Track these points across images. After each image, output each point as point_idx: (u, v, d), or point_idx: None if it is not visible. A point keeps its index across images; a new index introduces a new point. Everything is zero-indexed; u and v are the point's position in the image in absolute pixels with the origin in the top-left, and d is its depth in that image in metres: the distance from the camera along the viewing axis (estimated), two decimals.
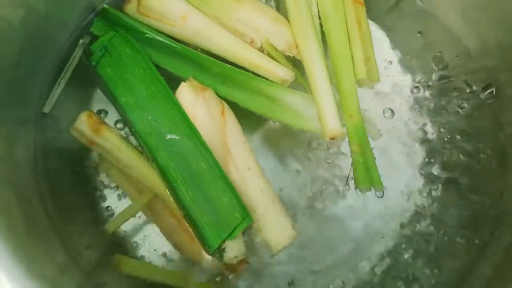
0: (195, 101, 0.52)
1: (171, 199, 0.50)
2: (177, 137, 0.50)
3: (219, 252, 0.47)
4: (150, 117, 0.50)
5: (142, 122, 0.50)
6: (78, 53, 0.54)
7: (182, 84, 0.52)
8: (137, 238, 0.52)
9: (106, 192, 0.53)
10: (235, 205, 0.48)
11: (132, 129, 0.51)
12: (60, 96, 0.53)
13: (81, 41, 0.54)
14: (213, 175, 0.48)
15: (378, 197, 0.54)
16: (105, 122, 0.53)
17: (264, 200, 0.50)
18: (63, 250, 0.48)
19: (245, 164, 0.51)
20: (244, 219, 0.47)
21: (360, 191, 0.54)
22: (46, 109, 0.52)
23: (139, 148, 0.53)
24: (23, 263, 0.38)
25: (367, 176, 0.53)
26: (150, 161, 0.51)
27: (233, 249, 0.47)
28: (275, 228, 0.49)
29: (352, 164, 0.54)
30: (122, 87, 0.51)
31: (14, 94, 0.47)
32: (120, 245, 0.52)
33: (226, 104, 0.53)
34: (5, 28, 0.44)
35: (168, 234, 0.52)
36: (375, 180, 0.53)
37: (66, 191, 0.53)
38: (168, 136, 0.50)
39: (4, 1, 0.43)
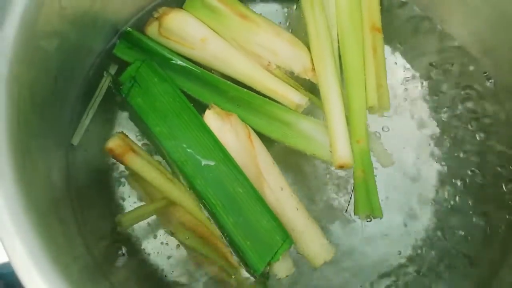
0: (223, 126, 0.52)
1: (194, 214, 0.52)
2: (212, 163, 0.50)
3: (264, 274, 0.49)
4: (184, 145, 0.50)
5: (178, 151, 0.50)
6: (104, 83, 0.53)
7: (208, 111, 0.52)
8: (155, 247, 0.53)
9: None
10: (275, 228, 0.49)
11: (168, 158, 0.51)
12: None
13: (105, 73, 0.53)
14: (250, 199, 0.49)
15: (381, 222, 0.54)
16: (136, 144, 0.53)
17: (301, 218, 0.51)
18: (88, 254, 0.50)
19: (278, 185, 0.52)
20: (284, 241, 0.48)
21: (359, 217, 0.54)
22: (75, 141, 0.51)
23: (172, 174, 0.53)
24: (62, 271, 0.38)
25: (367, 203, 0.53)
26: (189, 188, 0.51)
27: (283, 268, 0.48)
28: (315, 245, 0.50)
29: (353, 189, 0.54)
30: (154, 116, 0.51)
31: (50, 120, 0.47)
32: (137, 253, 0.53)
33: (251, 128, 0.54)
34: (43, 59, 0.43)
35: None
36: (375, 208, 0.53)
37: (95, 208, 0.53)
38: (204, 163, 0.50)
39: (41, 34, 0.42)
